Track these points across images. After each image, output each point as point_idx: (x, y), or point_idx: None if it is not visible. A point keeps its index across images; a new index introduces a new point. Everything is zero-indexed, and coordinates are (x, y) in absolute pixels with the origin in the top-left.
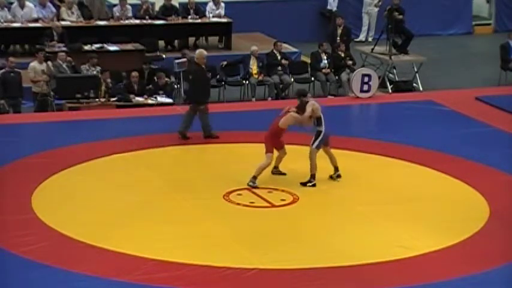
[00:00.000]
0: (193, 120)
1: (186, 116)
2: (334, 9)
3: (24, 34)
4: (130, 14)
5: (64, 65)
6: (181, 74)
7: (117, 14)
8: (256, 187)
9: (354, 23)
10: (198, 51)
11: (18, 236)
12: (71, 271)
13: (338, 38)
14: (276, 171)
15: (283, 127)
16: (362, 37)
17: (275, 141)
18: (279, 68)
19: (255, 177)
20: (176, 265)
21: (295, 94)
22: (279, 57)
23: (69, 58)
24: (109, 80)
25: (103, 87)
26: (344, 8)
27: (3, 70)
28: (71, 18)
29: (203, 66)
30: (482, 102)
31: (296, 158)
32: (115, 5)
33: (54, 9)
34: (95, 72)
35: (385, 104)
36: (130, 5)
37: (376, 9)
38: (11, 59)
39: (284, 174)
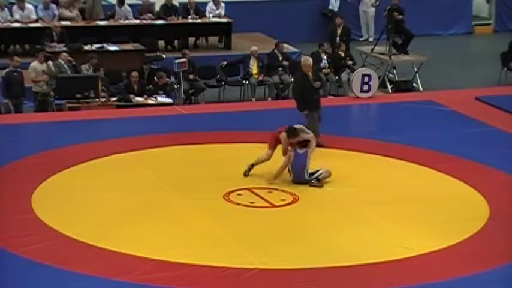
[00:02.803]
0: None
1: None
2: (336, 9)
3: (24, 34)
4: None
5: (65, 65)
6: (181, 74)
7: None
8: (247, 173)
9: (355, 23)
10: (303, 58)
11: (18, 236)
12: (71, 271)
13: (337, 38)
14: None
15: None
16: (367, 36)
17: (275, 143)
18: (280, 68)
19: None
20: (176, 265)
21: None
22: (280, 58)
23: (69, 58)
24: (103, 76)
25: (99, 85)
26: (345, 8)
27: (6, 69)
28: (71, 14)
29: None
30: (482, 102)
31: None
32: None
33: (56, 12)
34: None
35: (385, 104)
36: (130, 5)
37: (373, 9)
38: (16, 58)
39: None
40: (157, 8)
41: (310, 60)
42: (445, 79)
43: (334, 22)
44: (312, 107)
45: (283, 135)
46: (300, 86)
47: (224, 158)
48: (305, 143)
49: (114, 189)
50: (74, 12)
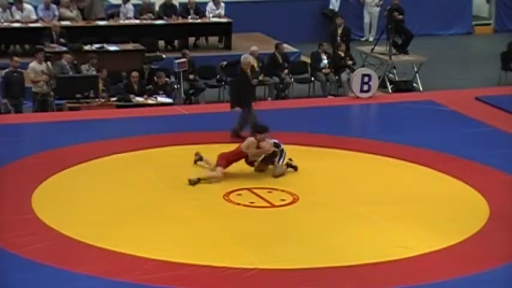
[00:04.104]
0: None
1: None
2: (337, 9)
3: (24, 34)
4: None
5: (68, 66)
6: (181, 74)
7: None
8: (195, 182)
9: (355, 23)
10: (243, 56)
11: (18, 236)
12: (71, 271)
13: (338, 38)
14: (196, 181)
15: (244, 150)
16: (369, 36)
17: (230, 162)
18: (281, 71)
19: (199, 179)
20: (176, 265)
21: (251, 129)
22: (280, 60)
23: (69, 56)
24: (105, 77)
25: (100, 86)
26: (345, 8)
27: (6, 70)
28: (71, 14)
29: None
30: (482, 102)
31: (297, 158)
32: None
33: (56, 12)
34: (95, 72)
35: (385, 104)
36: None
37: (378, 9)
38: (16, 58)
39: (196, 182)
40: (157, 8)
41: (250, 58)
42: (445, 79)
43: (334, 22)
44: (249, 104)
45: (247, 140)
46: (239, 83)
47: None
48: (272, 157)
49: (114, 189)
50: (75, 12)
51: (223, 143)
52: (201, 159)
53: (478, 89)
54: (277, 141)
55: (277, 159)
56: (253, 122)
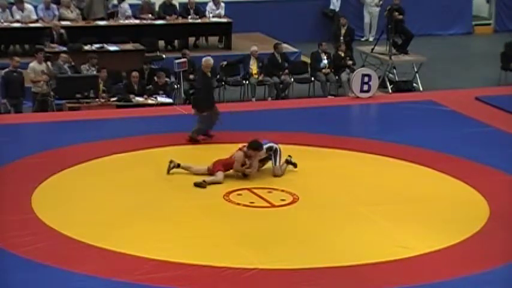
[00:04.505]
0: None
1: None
2: (337, 9)
3: (24, 34)
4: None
5: (65, 66)
6: (181, 74)
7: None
8: (202, 185)
9: (355, 23)
10: (205, 59)
11: (18, 236)
12: (71, 271)
13: (341, 38)
14: (203, 184)
15: (235, 160)
16: (369, 36)
17: (226, 169)
18: (280, 71)
19: (204, 181)
20: (176, 265)
21: (248, 143)
22: (279, 60)
23: (68, 58)
24: (105, 77)
25: (101, 86)
26: (345, 8)
27: (6, 69)
28: (71, 15)
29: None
30: (482, 102)
31: (297, 158)
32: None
33: (56, 12)
34: (94, 72)
35: (385, 104)
36: (131, 5)
37: (377, 9)
38: (16, 58)
39: (204, 187)
40: (157, 8)
41: (212, 60)
42: (445, 79)
43: (337, 22)
44: (211, 107)
45: (237, 154)
46: (205, 86)
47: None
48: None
49: (114, 189)
50: (75, 12)
51: (223, 143)
52: (177, 166)
53: (478, 89)
54: (270, 143)
55: (272, 160)
56: (211, 126)
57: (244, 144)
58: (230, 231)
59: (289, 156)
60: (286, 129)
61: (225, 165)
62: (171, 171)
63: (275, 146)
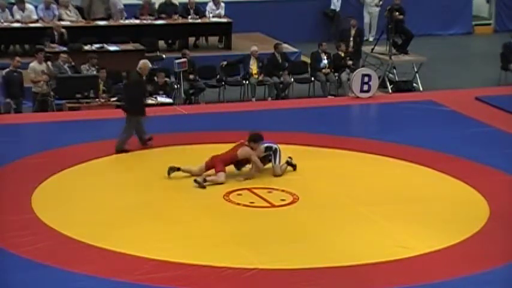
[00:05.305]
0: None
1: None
2: (338, 9)
3: (25, 34)
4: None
5: (65, 66)
6: (181, 74)
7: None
8: (201, 184)
9: None
10: (143, 61)
11: (18, 236)
12: (71, 271)
13: (351, 39)
14: (202, 184)
15: (240, 157)
16: (369, 36)
17: (224, 165)
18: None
19: (205, 180)
20: (176, 265)
21: (249, 136)
22: (279, 60)
23: (64, 56)
24: (105, 75)
25: (101, 86)
26: (345, 8)
27: (7, 69)
28: (70, 18)
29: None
30: (482, 102)
31: (297, 158)
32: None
33: (56, 13)
34: (94, 72)
35: (385, 104)
36: (130, 5)
37: (377, 9)
38: (17, 58)
39: (204, 187)
40: (157, 7)
41: (149, 63)
42: (445, 79)
43: (338, 22)
44: (143, 111)
45: (249, 151)
46: (142, 89)
47: None
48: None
49: (114, 189)
50: (73, 14)
51: (223, 143)
52: (177, 170)
53: (478, 89)
54: (270, 143)
55: (272, 160)
56: (142, 131)
57: (241, 141)
58: (230, 231)
59: (290, 158)
60: (286, 129)
61: (225, 161)
62: (172, 175)
63: (274, 145)
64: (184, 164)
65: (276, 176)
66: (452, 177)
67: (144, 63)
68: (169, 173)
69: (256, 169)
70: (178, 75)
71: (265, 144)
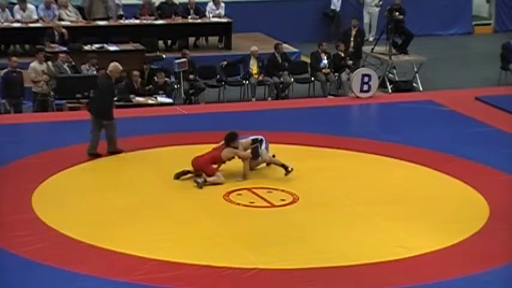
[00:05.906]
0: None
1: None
2: (338, 9)
3: (25, 34)
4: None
5: (65, 66)
6: (181, 74)
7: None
8: (201, 185)
9: None
10: (114, 64)
11: (18, 236)
12: (71, 271)
13: (352, 39)
14: (200, 184)
15: (224, 159)
16: (369, 36)
17: (211, 166)
18: (280, 71)
19: (205, 181)
20: (176, 265)
21: (224, 138)
22: (280, 60)
23: (64, 56)
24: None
25: None
26: (345, 8)
27: (5, 70)
28: (70, 18)
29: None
30: (482, 102)
31: (297, 158)
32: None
33: (57, 13)
34: (94, 72)
35: (385, 104)
36: (130, 5)
37: (377, 9)
38: (14, 58)
39: (201, 187)
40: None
41: (119, 66)
42: (445, 79)
43: (338, 22)
44: (110, 115)
45: (226, 150)
46: (110, 93)
47: None
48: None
49: (114, 189)
50: (73, 12)
51: None
52: (187, 173)
53: (478, 89)
54: (256, 136)
55: (259, 147)
56: (114, 135)
57: (219, 144)
58: (230, 231)
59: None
60: (286, 129)
61: (213, 159)
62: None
63: (260, 136)
64: (184, 164)
65: (264, 162)
66: (452, 177)
67: (115, 66)
68: (178, 175)
69: (248, 164)
70: (178, 75)
71: (252, 137)
